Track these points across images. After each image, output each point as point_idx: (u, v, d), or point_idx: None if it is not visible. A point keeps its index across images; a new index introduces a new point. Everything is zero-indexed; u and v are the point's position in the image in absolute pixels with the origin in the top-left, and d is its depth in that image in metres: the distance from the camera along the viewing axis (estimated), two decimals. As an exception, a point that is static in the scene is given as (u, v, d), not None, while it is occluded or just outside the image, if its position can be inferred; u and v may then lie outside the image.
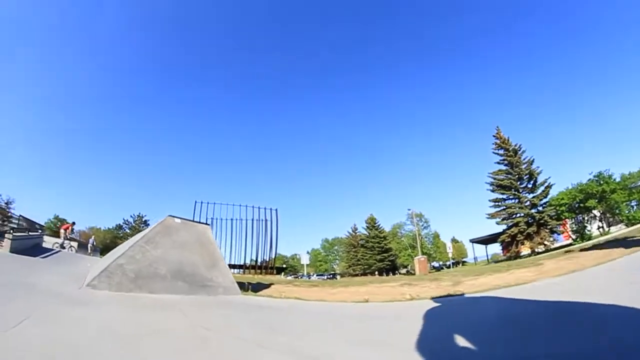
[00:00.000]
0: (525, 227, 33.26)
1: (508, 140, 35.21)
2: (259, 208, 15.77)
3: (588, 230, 32.34)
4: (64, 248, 21.31)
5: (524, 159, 34.78)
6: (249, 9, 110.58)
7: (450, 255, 42.79)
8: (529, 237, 33.30)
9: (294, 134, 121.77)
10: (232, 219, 15.10)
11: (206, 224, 8.44)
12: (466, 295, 6.84)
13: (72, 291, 5.52)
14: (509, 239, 34.16)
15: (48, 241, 23.90)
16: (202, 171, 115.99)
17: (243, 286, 8.09)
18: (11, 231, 13.09)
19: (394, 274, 49.08)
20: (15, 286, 5.29)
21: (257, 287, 9.17)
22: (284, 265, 64.64)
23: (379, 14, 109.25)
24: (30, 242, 14.69)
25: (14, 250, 12.24)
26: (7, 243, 12.48)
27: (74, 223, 26.93)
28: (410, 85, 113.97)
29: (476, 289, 7.93)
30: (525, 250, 34.47)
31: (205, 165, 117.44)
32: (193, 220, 8.57)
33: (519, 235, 33.59)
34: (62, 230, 22.94)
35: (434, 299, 6.84)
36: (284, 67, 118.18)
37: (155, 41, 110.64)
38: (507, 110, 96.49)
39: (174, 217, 7.58)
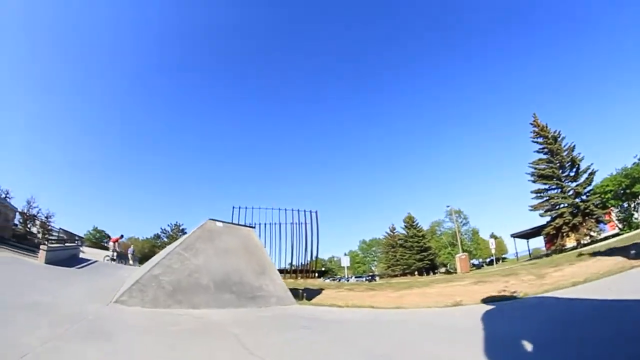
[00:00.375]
0: (570, 217, 30.28)
1: (546, 127, 32.32)
2: (298, 211, 14.47)
3: (635, 218, 29.17)
4: (114, 260, 20.71)
5: (565, 146, 31.76)
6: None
7: (493, 251, 39.82)
8: (574, 228, 30.33)
9: (324, 136, 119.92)
10: (270, 223, 13.89)
11: (250, 226, 7.09)
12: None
13: (95, 310, 4.23)
14: (554, 231, 31.22)
15: (88, 252, 23.50)
16: (237, 177, 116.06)
17: (295, 294, 6.66)
18: (46, 243, 12.39)
19: (434, 273, 46.54)
20: (28, 305, 4.05)
21: (309, 294, 7.73)
22: (323, 269, 63.08)
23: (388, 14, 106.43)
24: (66, 253, 13.93)
25: (49, 261, 11.64)
26: (42, 254, 11.82)
27: (122, 236, 26.54)
28: (440, 81, 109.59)
29: (574, 280, 6.16)
30: (570, 242, 31.48)
31: (239, 170, 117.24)
32: (236, 224, 7.29)
33: (564, 227, 30.65)
34: (111, 243, 22.47)
35: (545, 296, 5.15)
36: (288, 67, 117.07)
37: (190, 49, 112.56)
38: (540, 95, 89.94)
39: (215, 220, 6.25)
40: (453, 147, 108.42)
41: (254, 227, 7.30)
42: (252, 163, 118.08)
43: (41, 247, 12.14)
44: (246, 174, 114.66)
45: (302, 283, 11.25)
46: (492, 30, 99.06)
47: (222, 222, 6.52)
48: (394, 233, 57.86)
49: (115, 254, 21.23)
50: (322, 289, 9.53)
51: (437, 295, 6.87)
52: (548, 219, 32.50)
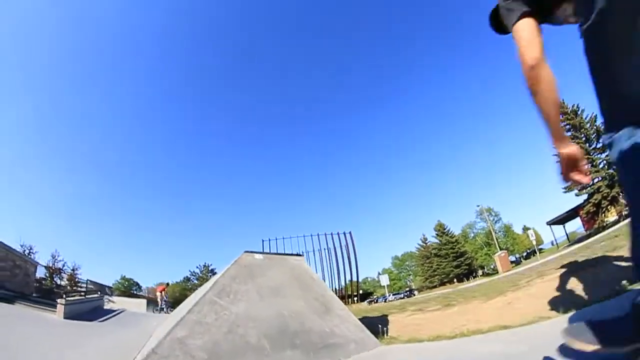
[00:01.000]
0: (608, 190, 27.57)
1: (564, 103, 30.05)
2: (331, 235, 13.22)
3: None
4: (163, 309, 18.53)
5: (586, 118, 29.43)
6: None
7: (534, 243, 36.30)
8: (614, 200, 27.54)
9: (334, 156, 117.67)
10: (305, 252, 12.49)
11: (298, 254, 5.28)
12: None
13: None
14: (594, 209, 28.40)
15: (118, 301, 21.87)
16: (255, 211, 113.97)
17: (373, 330, 4.70)
18: (64, 296, 10.89)
19: (473, 278, 43.38)
20: None
21: (384, 326, 5.77)
22: (360, 291, 59.98)
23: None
24: (88, 305, 12.33)
25: (67, 315, 10.27)
26: (60, 309, 10.37)
27: (167, 284, 24.57)
28: (441, 81, 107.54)
29: None
30: (610, 217, 28.47)
31: (257, 204, 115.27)
32: (280, 253, 5.54)
33: (603, 202, 27.86)
34: (158, 293, 20.01)
35: None
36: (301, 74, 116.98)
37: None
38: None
39: (252, 252, 4.43)
40: (469, 146, 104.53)
41: (302, 255, 5.44)
42: (267, 195, 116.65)
43: (58, 301, 10.70)
44: (264, 206, 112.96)
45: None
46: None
47: (262, 253, 4.68)
48: (426, 243, 54.74)
49: (163, 303, 18.80)
50: (385, 315, 7.49)
51: (556, 297, 4.81)
52: (584, 197, 29.80)
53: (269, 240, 12.08)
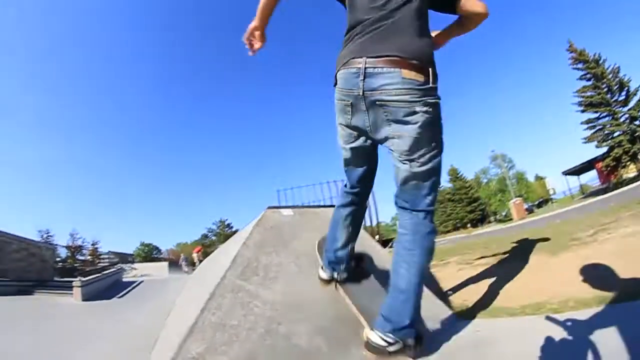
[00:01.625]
0: (630, 145, 25.64)
1: (585, 51, 27.40)
2: (342, 181, 11.76)
3: None
4: (194, 269, 17.73)
5: (608, 69, 26.90)
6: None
7: (551, 192, 34.51)
8: (634, 156, 25.70)
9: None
10: (322, 200, 11.34)
11: (331, 205, 4.01)
12: None
13: None
14: (614, 163, 26.62)
15: (140, 268, 21.48)
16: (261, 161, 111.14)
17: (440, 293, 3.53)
18: (79, 277, 10.12)
19: (488, 223, 42.58)
20: None
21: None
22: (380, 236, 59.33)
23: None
24: (106, 282, 11.65)
25: (85, 297, 9.33)
26: (76, 292, 9.59)
27: (203, 245, 23.81)
28: None
29: None
30: (629, 173, 26.67)
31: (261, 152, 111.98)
32: (312, 205, 4.27)
33: (624, 157, 26.01)
34: (194, 255, 19.36)
35: None
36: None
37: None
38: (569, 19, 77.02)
39: (277, 207, 3.10)
40: (481, 87, 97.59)
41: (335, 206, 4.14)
42: (274, 143, 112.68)
43: (74, 283, 9.93)
44: (272, 155, 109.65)
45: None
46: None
47: (289, 207, 3.35)
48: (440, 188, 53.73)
49: (198, 263, 18.11)
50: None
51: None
52: (602, 150, 27.90)
53: (285, 190, 10.00)
